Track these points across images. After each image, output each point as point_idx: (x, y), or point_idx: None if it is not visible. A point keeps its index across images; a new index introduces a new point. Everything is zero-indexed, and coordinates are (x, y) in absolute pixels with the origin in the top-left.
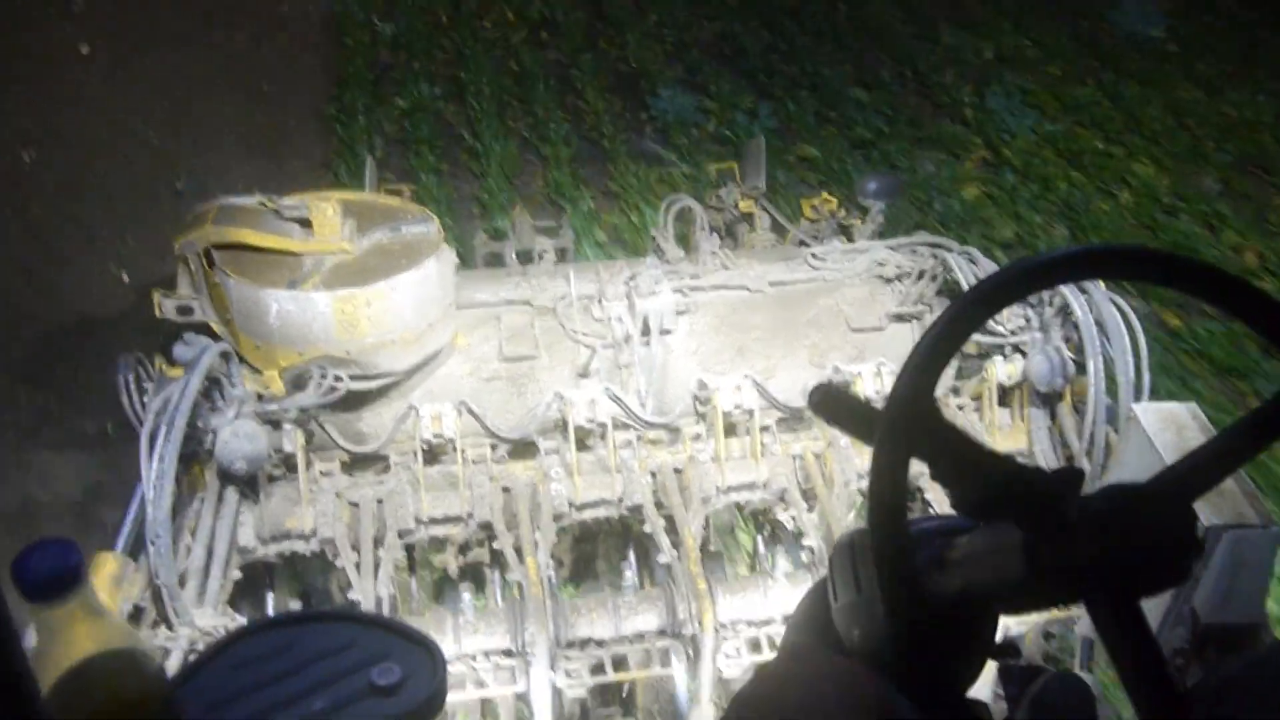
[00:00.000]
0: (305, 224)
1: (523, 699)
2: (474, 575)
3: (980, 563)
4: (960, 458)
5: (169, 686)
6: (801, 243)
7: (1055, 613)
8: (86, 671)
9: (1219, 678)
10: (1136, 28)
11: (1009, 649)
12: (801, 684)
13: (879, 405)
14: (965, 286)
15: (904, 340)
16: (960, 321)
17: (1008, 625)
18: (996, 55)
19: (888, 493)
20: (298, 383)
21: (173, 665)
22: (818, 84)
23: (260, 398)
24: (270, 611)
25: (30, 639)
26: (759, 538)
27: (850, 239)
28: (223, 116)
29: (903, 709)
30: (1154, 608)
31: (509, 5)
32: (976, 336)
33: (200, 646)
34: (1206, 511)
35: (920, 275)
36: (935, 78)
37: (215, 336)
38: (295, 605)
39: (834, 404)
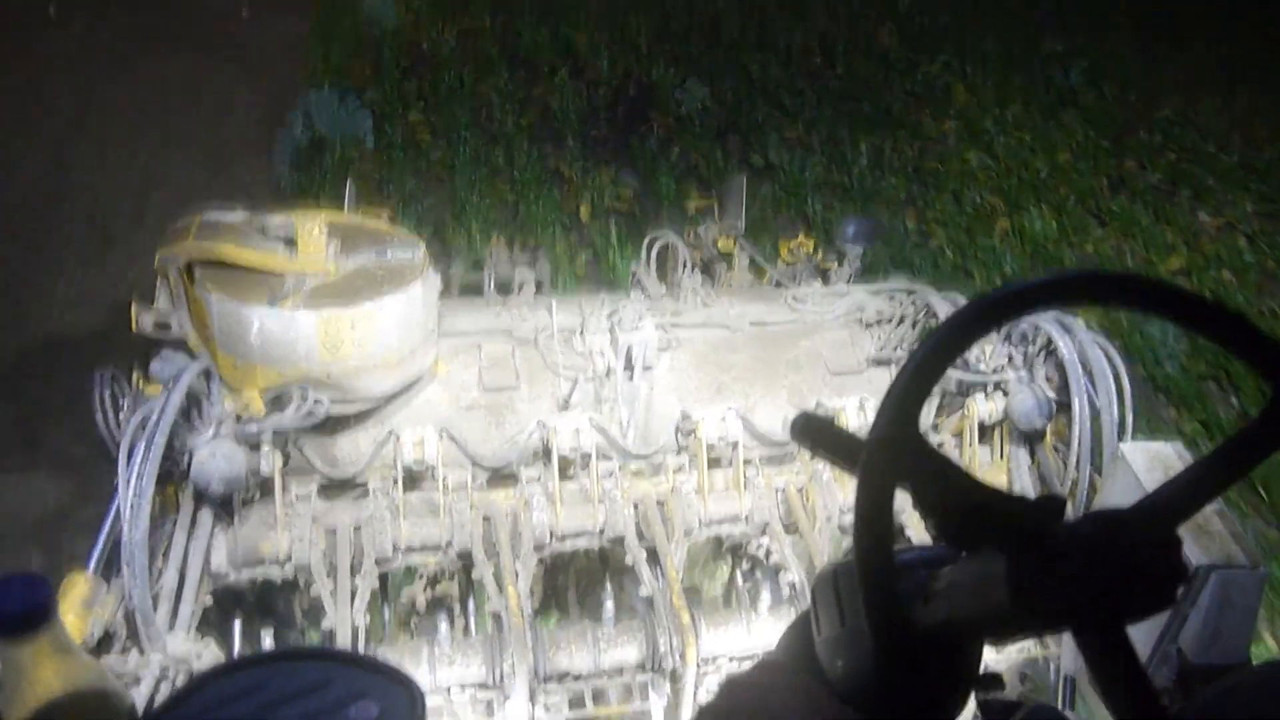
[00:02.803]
0: (289, 243)
1: None
2: (444, 608)
3: (964, 591)
4: (944, 485)
5: None
6: (778, 283)
7: (1032, 652)
8: (54, 710)
9: (1197, 704)
10: None
11: (993, 680)
12: (761, 696)
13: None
14: None
15: (882, 384)
16: (944, 347)
17: (985, 664)
18: None
19: (873, 519)
20: (277, 404)
21: (144, 692)
22: None
23: (239, 418)
24: (237, 639)
25: None
26: (739, 572)
27: (827, 282)
28: None
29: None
30: (1140, 647)
31: None
32: (959, 374)
33: (172, 673)
34: (1195, 552)
35: (900, 320)
36: None
37: (192, 354)
38: (265, 633)
39: (816, 431)
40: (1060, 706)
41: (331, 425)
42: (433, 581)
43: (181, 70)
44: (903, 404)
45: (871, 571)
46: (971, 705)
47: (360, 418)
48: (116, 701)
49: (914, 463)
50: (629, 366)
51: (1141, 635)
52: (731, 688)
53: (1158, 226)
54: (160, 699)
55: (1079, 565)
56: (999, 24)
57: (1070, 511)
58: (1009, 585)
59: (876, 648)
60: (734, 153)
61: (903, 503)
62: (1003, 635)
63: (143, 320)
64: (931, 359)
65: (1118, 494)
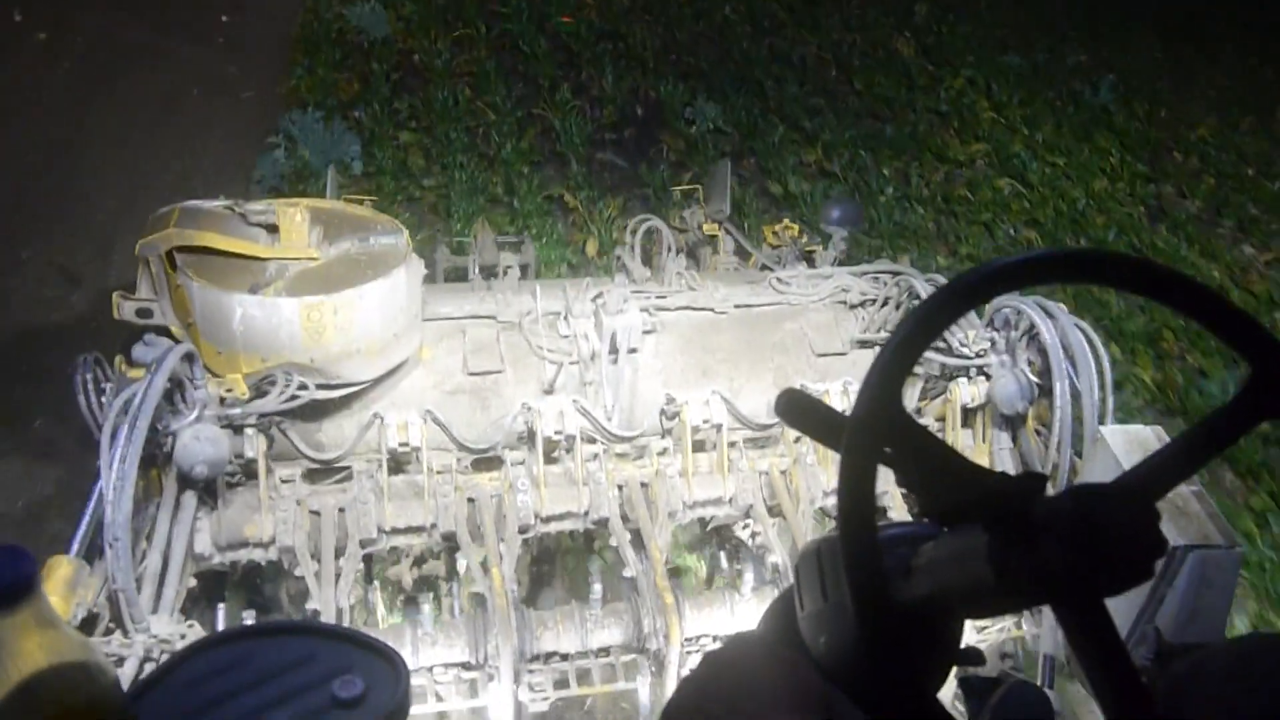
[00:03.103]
0: (271, 230)
1: (481, 713)
2: (429, 588)
3: (946, 568)
4: (927, 461)
5: (124, 701)
6: (764, 267)
7: (1013, 632)
8: (37, 685)
9: (1169, 678)
10: None
11: (974, 656)
12: (739, 670)
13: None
14: None
15: (867, 366)
16: (926, 323)
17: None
18: None
19: (857, 494)
20: (261, 387)
21: (128, 673)
22: None
23: (223, 401)
24: (221, 621)
25: None
26: (722, 553)
27: (812, 265)
28: None
29: (839, 703)
30: (1119, 627)
31: None
32: (941, 358)
33: (156, 654)
34: (1172, 532)
35: (885, 302)
36: None
37: (176, 341)
38: (247, 615)
39: (800, 408)
40: (1040, 685)
41: (315, 411)
42: (418, 561)
43: (154, 84)
44: (886, 380)
45: (855, 546)
46: (952, 682)
47: (344, 403)
48: (102, 675)
49: (898, 438)
50: (613, 350)
51: (1119, 614)
52: (710, 664)
53: (1204, 262)
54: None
55: (1058, 540)
56: (1020, 34)
57: (1051, 493)
58: (990, 561)
59: (859, 623)
60: (751, 179)
61: (885, 481)
62: (984, 611)
63: (125, 308)
64: (914, 335)
65: (1098, 476)
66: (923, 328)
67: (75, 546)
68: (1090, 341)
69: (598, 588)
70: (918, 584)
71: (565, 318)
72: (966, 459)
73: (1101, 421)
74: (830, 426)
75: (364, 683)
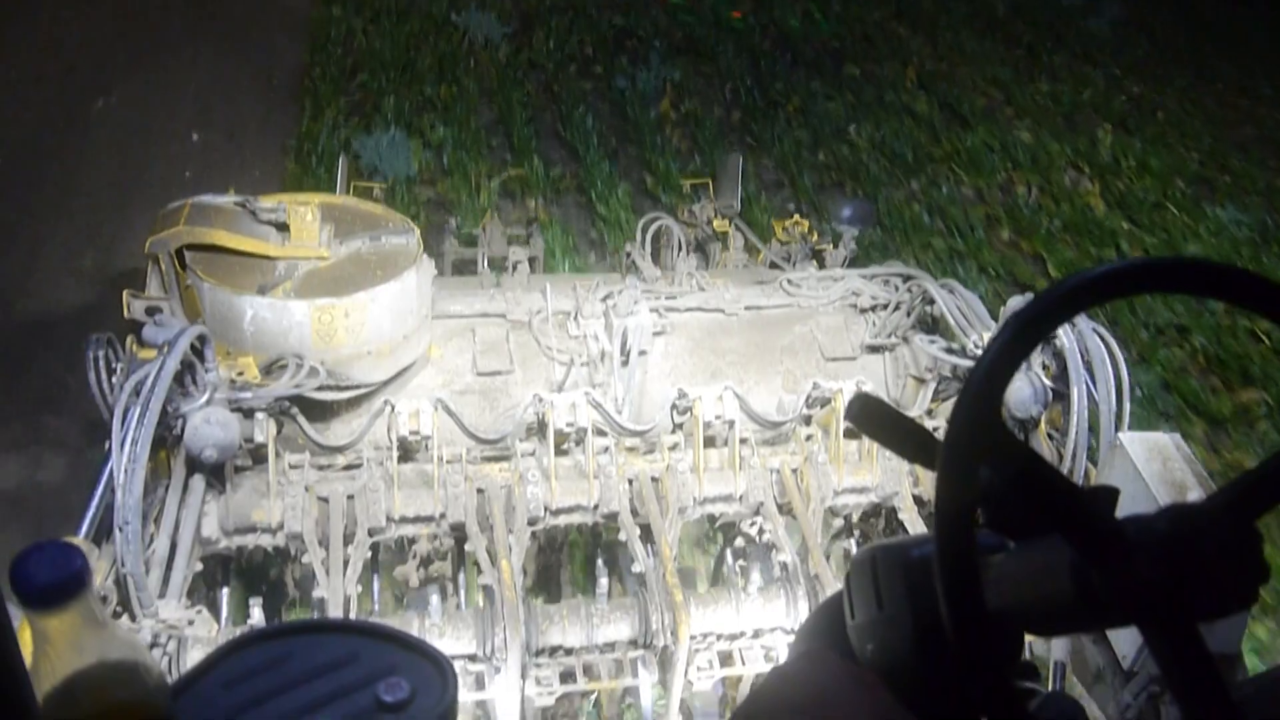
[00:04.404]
0: (282, 227)
1: (485, 706)
2: (435, 582)
3: (1021, 582)
4: (1017, 473)
5: (170, 699)
6: (773, 264)
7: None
8: (85, 682)
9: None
10: None
11: (1030, 670)
12: (813, 685)
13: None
14: (949, 317)
15: (876, 371)
16: (1032, 326)
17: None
18: None
19: (957, 508)
20: (272, 371)
21: None
22: None
23: (234, 384)
24: (225, 606)
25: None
26: (729, 551)
27: (821, 263)
28: None
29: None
30: (1134, 637)
31: None
32: (955, 359)
33: (163, 640)
34: None
35: (896, 306)
36: None
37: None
38: (253, 601)
39: (876, 414)
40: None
41: (325, 412)
42: (425, 561)
43: (79, 264)
44: (987, 391)
45: (954, 561)
46: None
47: (354, 404)
48: (148, 674)
49: (994, 450)
50: (624, 352)
51: (1131, 634)
52: (780, 679)
53: None
54: None
55: (1153, 560)
56: (1214, 159)
57: None
58: (1074, 579)
59: (955, 639)
60: None
61: (895, 482)
62: (1057, 628)
63: (134, 307)
64: (1015, 343)
65: (1116, 482)
66: (1026, 332)
67: (84, 528)
68: (1108, 348)
69: (604, 581)
70: (988, 597)
71: (575, 318)
72: (1059, 471)
73: (1118, 428)
74: (908, 436)
75: (410, 686)
